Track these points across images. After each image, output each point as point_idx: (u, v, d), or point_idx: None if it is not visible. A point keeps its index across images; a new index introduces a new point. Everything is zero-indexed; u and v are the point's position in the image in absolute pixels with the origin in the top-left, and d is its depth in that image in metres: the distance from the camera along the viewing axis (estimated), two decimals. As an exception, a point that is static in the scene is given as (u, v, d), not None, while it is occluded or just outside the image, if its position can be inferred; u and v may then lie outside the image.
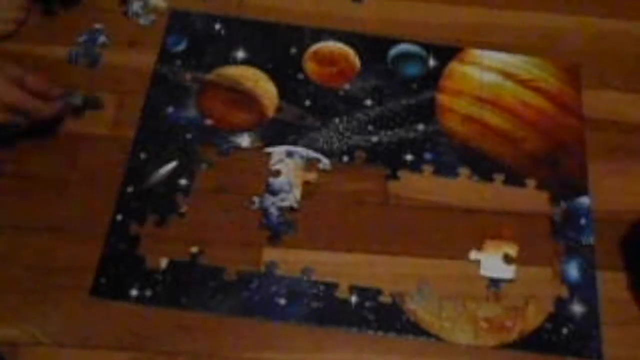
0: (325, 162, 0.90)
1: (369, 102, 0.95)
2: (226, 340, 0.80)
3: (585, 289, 0.84)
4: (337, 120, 0.94)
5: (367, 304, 0.82)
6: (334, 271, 0.84)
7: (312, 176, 0.89)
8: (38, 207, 0.85)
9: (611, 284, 0.85)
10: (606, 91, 0.99)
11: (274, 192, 0.88)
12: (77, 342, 0.78)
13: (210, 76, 0.96)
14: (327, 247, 0.85)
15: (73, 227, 0.84)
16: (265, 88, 0.96)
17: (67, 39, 0.98)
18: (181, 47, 0.98)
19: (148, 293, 0.81)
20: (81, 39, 0.98)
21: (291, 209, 0.87)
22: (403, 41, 1.00)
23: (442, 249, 0.86)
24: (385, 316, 0.81)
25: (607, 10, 1.06)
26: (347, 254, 0.85)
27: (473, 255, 0.86)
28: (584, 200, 0.90)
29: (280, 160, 0.90)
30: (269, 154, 0.90)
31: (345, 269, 0.84)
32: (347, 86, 0.96)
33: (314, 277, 0.83)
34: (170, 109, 0.93)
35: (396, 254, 0.85)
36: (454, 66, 0.99)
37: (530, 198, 0.90)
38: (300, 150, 0.91)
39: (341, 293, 0.82)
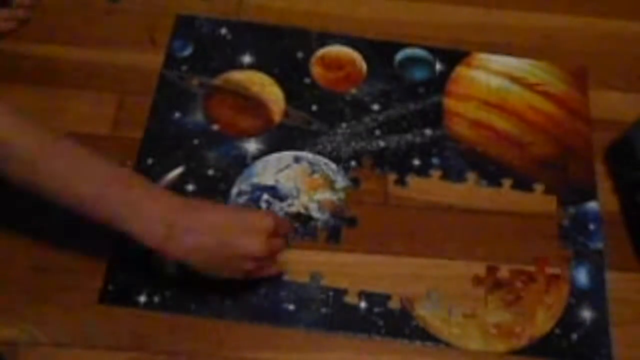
0: (332, 167, 0.90)
1: (376, 106, 0.95)
2: (226, 340, 0.79)
3: (594, 294, 0.84)
4: (344, 125, 0.93)
5: (376, 309, 0.82)
6: (338, 272, 0.83)
7: (319, 181, 0.89)
8: (38, 207, 0.85)
9: (621, 284, 0.85)
10: (609, 92, 0.99)
11: (281, 198, 0.88)
12: (77, 342, 0.78)
13: (217, 81, 0.96)
14: (330, 249, 0.85)
15: (74, 227, 0.83)
16: (272, 93, 0.95)
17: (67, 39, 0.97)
18: (187, 52, 0.97)
19: (156, 299, 0.80)
20: None
21: (299, 214, 0.87)
22: (410, 45, 1.00)
23: (445, 249, 0.86)
24: (394, 322, 0.81)
25: (610, 10, 1.06)
26: (349, 254, 0.85)
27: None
28: (593, 205, 0.89)
29: (288, 166, 0.90)
30: (276, 160, 0.90)
31: (349, 269, 0.84)
32: (353, 91, 0.96)
33: (322, 283, 0.83)
34: (176, 115, 0.92)
35: (399, 254, 0.85)
36: (461, 70, 0.99)
37: (539, 203, 0.90)
38: (307, 155, 0.91)
39: (350, 298, 0.82)
